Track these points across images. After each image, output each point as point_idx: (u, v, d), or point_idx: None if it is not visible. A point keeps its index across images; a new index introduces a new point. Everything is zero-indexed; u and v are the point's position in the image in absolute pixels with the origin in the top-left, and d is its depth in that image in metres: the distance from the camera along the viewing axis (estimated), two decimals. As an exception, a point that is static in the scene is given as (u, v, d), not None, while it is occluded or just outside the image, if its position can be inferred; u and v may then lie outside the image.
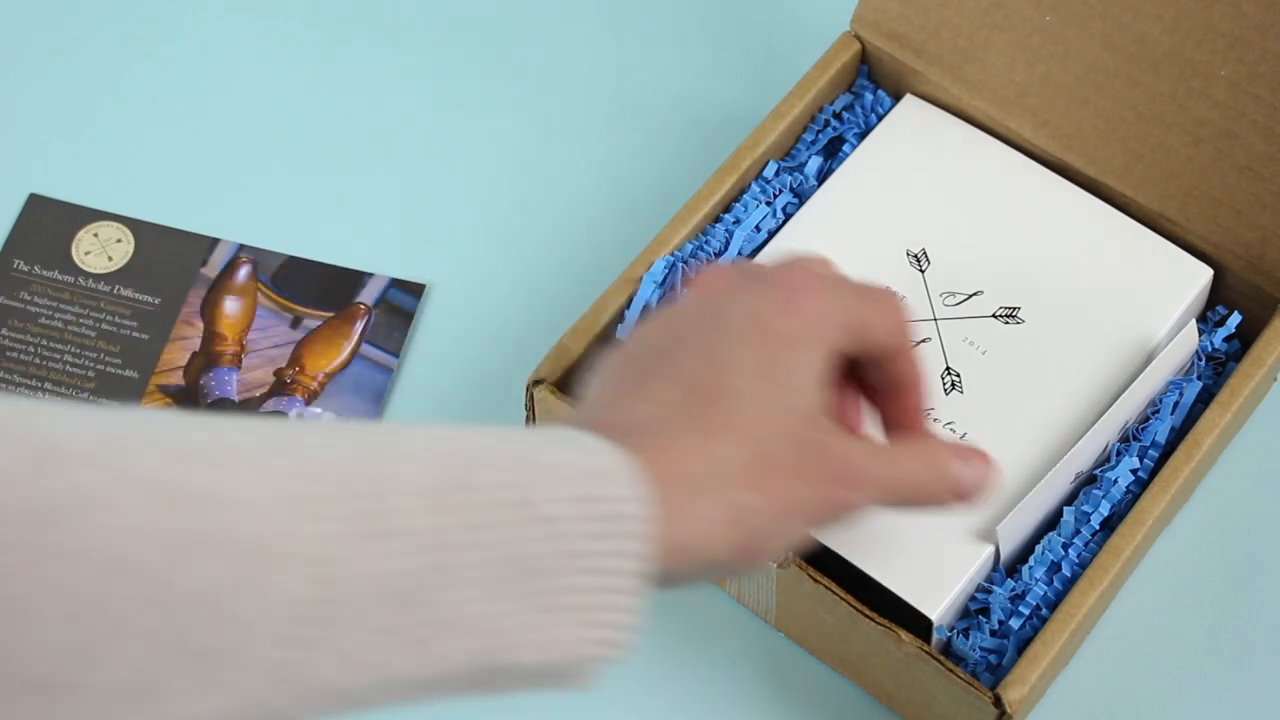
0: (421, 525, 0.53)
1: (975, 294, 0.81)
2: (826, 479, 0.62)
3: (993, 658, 0.74)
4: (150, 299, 0.89)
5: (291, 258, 0.91)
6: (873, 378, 0.68)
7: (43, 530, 0.47)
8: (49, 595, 0.47)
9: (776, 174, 0.86)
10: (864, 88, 0.89)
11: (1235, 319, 0.82)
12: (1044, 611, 0.75)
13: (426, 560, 0.53)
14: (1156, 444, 0.79)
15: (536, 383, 0.79)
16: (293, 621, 0.51)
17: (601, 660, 0.56)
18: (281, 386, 0.87)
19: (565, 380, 0.80)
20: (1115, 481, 0.77)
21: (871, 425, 0.69)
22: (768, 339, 0.62)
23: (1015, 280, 0.82)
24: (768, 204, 0.85)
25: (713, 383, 0.61)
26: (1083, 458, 0.77)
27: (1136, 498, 0.78)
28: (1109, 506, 0.77)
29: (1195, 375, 0.81)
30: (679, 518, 0.58)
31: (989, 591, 0.75)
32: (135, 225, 0.91)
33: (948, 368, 0.79)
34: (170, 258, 0.90)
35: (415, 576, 0.53)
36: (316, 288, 0.90)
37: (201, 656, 0.49)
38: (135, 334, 0.88)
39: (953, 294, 0.81)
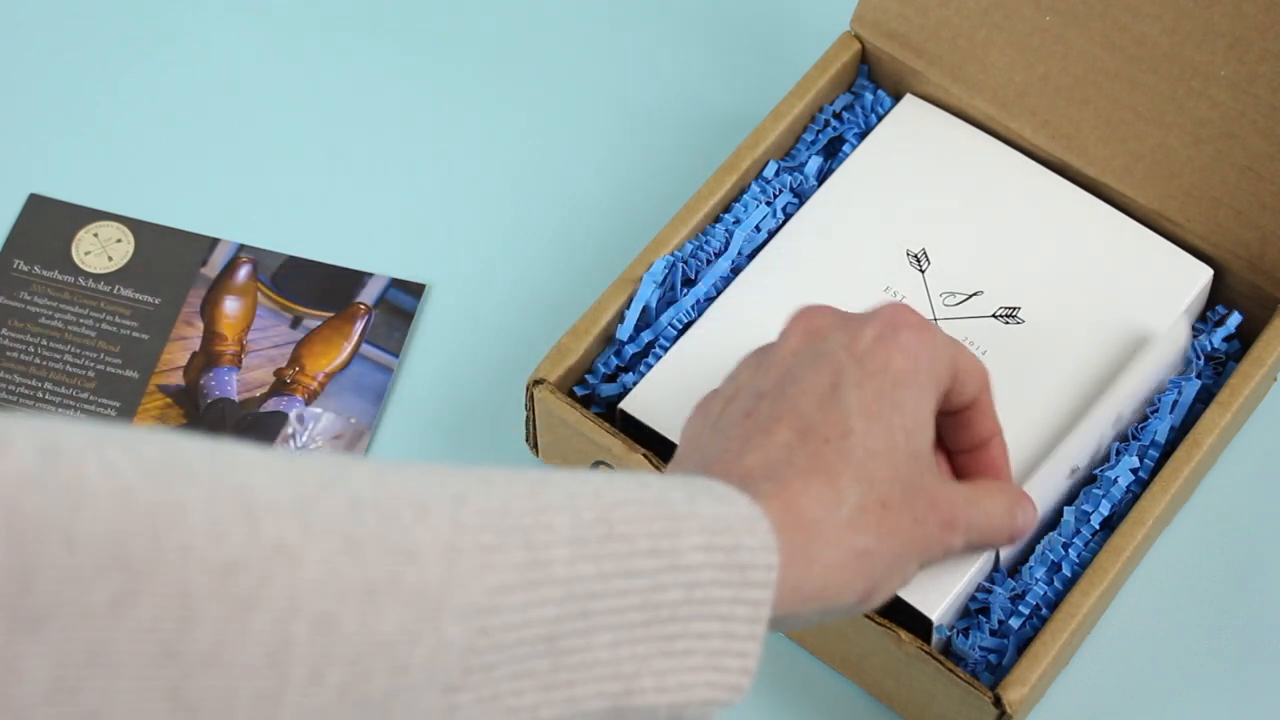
0: (574, 574, 0.54)
1: (975, 294, 0.81)
2: (935, 524, 0.64)
3: (993, 657, 0.74)
4: (150, 299, 0.89)
5: (291, 258, 0.91)
6: (947, 428, 0.70)
7: (238, 583, 0.49)
8: (241, 646, 0.49)
9: (776, 174, 0.86)
10: (864, 88, 0.89)
11: (1235, 319, 0.82)
12: (1044, 611, 0.75)
13: (574, 607, 0.54)
14: (1156, 444, 0.79)
15: (537, 383, 0.79)
16: (455, 670, 0.52)
17: (722, 704, 0.58)
18: (281, 386, 0.87)
19: (565, 380, 0.80)
20: (1115, 481, 0.77)
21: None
22: (876, 377, 0.64)
23: (1015, 280, 0.82)
24: (768, 204, 0.85)
25: (825, 423, 0.62)
26: (1074, 451, 0.77)
27: (1137, 497, 0.78)
28: (1109, 506, 0.77)
29: (1195, 375, 0.81)
30: (803, 564, 0.60)
31: (989, 591, 0.75)
32: (135, 225, 0.91)
33: (948, 368, 0.79)
34: (170, 258, 0.90)
35: (561, 623, 0.54)
36: (316, 288, 0.90)
37: (372, 706, 0.51)
38: (135, 334, 0.88)
39: (953, 294, 0.81)
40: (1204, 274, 0.82)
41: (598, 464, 0.80)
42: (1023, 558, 0.78)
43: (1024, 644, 0.74)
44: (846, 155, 0.86)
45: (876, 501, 0.62)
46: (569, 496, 0.56)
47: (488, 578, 0.53)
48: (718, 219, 0.85)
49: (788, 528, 0.59)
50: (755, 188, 0.85)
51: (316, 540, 0.50)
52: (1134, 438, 0.79)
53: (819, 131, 0.88)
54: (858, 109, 0.88)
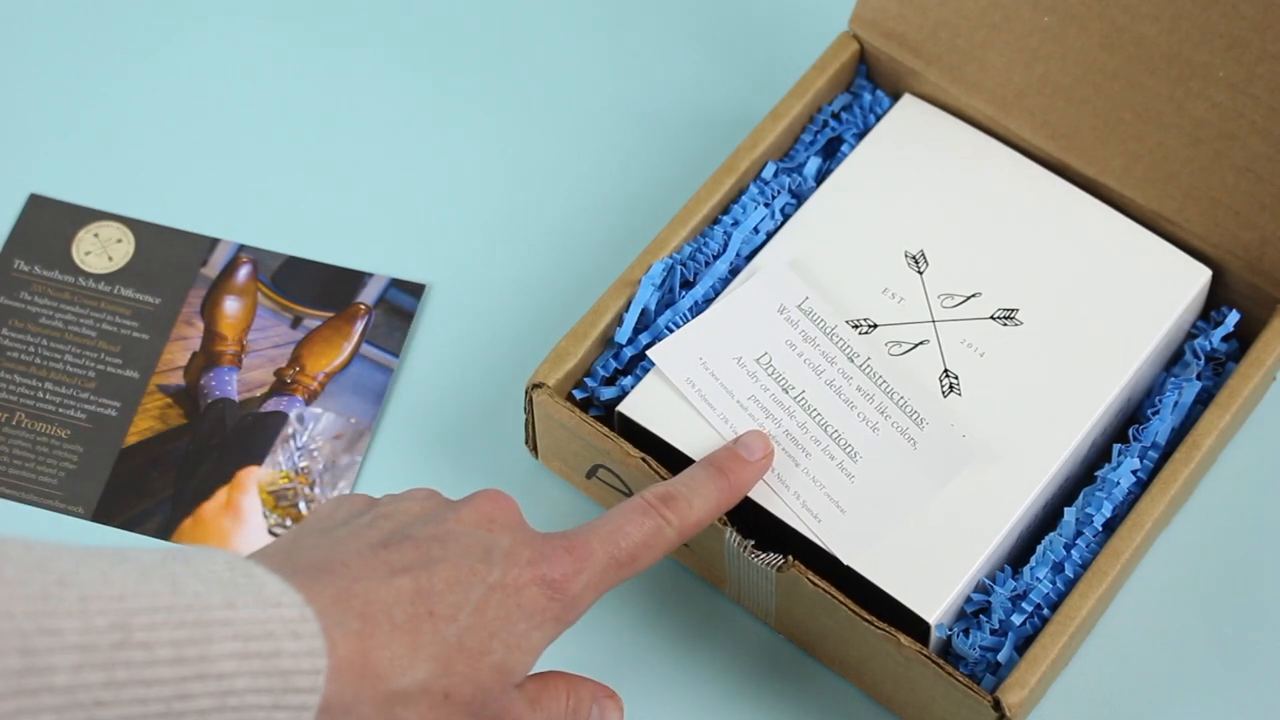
0: (78, 682, 0.53)
1: (974, 295, 0.81)
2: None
3: (992, 655, 0.74)
4: (150, 299, 0.89)
5: (291, 258, 0.91)
6: None
7: None
8: None
9: (775, 175, 0.86)
10: (862, 88, 0.89)
11: (1234, 318, 0.82)
12: (1046, 611, 0.75)
13: (79, 715, 0.53)
14: (1157, 445, 0.79)
15: (535, 386, 0.79)
16: None
17: None
18: (282, 386, 0.87)
19: (564, 383, 0.80)
20: (1118, 483, 0.77)
21: None
22: (510, 594, 0.65)
23: (1014, 281, 0.81)
24: (766, 205, 0.85)
25: (441, 601, 0.63)
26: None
27: (1138, 499, 0.78)
28: (1111, 508, 0.77)
29: (1195, 376, 0.81)
30: (366, 646, 0.60)
31: (990, 591, 0.75)
32: (135, 225, 0.91)
33: (945, 370, 0.79)
34: (170, 258, 0.90)
35: None
36: (316, 288, 0.90)
37: None
38: (135, 334, 0.89)
39: (951, 295, 0.81)
40: (1203, 274, 0.82)
41: (596, 467, 0.80)
42: (1024, 559, 0.78)
43: (1023, 642, 0.75)
44: (845, 156, 0.86)
45: (441, 690, 0.62)
46: (81, 601, 0.54)
47: None
48: (716, 221, 0.85)
49: (352, 668, 0.59)
50: (754, 189, 0.85)
51: None
52: (1135, 439, 0.79)
53: (817, 132, 0.87)
54: (856, 109, 0.88)
